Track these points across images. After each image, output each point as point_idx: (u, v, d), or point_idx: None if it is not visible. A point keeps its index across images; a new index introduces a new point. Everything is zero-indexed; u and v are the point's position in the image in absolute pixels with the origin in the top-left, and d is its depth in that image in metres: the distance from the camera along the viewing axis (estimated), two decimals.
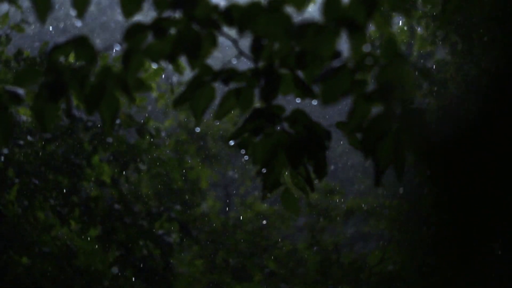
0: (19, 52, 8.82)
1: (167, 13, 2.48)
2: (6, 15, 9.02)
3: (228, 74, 2.52)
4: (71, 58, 2.41)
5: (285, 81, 2.54)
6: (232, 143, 2.57)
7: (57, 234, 8.74)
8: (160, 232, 9.33)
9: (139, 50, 2.49)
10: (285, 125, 2.53)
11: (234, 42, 2.54)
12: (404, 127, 2.04)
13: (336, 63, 2.07)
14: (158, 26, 2.44)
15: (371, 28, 2.25)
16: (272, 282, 12.08)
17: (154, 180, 10.65)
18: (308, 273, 12.19)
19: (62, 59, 2.60)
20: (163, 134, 9.98)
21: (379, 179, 2.06)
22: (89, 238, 8.97)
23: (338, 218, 12.78)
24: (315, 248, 12.44)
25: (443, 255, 10.36)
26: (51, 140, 8.80)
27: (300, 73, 2.54)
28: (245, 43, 2.58)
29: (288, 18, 2.25)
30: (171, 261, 9.37)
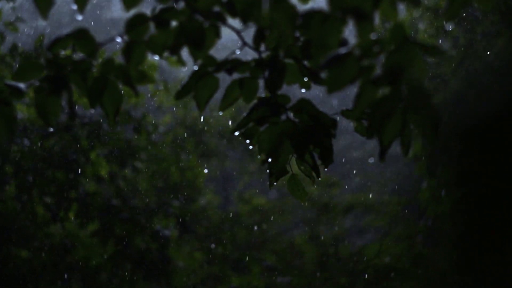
0: (14, 47, 8.79)
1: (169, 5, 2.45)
2: None
3: (231, 65, 2.50)
4: (68, 52, 2.39)
5: (290, 70, 2.53)
6: (236, 133, 2.55)
7: (55, 228, 8.74)
8: (158, 227, 9.33)
9: (141, 41, 2.46)
10: (290, 114, 2.52)
11: (238, 33, 2.52)
12: (411, 105, 2.04)
13: (342, 51, 2.05)
14: (161, 18, 2.41)
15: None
16: (270, 275, 12.08)
17: (151, 176, 10.63)
18: (306, 266, 12.20)
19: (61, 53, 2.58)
20: (160, 130, 9.97)
21: (384, 155, 2.06)
22: (88, 233, 8.97)
23: (337, 213, 12.79)
24: (313, 241, 12.45)
25: (440, 248, 10.37)
26: (48, 136, 8.78)
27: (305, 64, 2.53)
28: (249, 34, 2.56)
29: (293, 7, 2.24)
30: (169, 254, 9.37)
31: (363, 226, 13.01)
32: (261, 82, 2.55)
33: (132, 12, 2.42)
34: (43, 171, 8.62)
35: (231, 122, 12.89)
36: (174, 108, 12.47)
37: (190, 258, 11.26)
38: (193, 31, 2.40)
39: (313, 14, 2.06)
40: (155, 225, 9.31)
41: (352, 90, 2.18)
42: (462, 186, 9.90)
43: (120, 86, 2.51)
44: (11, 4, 8.48)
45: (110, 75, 2.48)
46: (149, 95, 11.03)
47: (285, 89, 2.55)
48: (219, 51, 2.64)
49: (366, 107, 2.06)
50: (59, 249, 8.65)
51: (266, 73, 2.50)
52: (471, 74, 9.29)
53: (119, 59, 2.54)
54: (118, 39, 2.51)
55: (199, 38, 2.39)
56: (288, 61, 2.52)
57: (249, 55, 2.55)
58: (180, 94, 2.58)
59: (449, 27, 9.04)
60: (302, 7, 2.27)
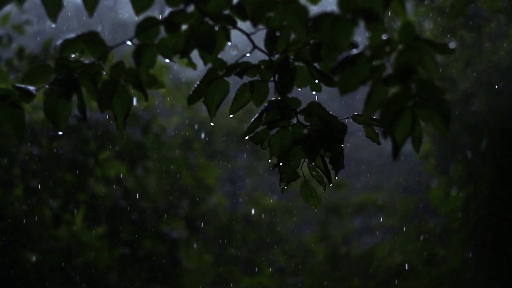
0: (20, 50, 8.80)
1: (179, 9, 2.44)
2: (7, 15, 8.98)
3: (242, 68, 2.50)
4: (78, 56, 2.38)
5: (300, 73, 2.52)
6: (246, 138, 2.54)
7: (63, 231, 8.75)
8: (166, 229, 9.33)
9: (152, 45, 2.46)
10: (301, 117, 2.51)
11: (248, 36, 2.51)
12: (421, 101, 2.04)
13: (353, 52, 2.05)
14: (171, 21, 2.41)
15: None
16: (280, 276, 12.07)
17: (161, 177, 10.64)
18: (317, 266, 12.18)
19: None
20: (169, 131, 9.97)
21: (397, 153, 2.06)
22: (96, 235, 8.97)
23: (348, 213, 12.79)
24: (323, 241, 12.44)
25: (452, 246, 10.34)
26: (56, 138, 8.79)
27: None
28: (259, 37, 2.55)
29: (304, 9, 2.23)
30: (179, 256, 9.37)
31: (374, 225, 12.99)
32: (271, 86, 2.54)
33: (143, 15, 2.41)
34: (51, 173, 8.64)
35: (239, 123, 12.89)
36: (183, 109, 12.47)
37: (200, 259, 11.26)
38: (203, 34, 2.39)
39: (324, 16, 2.05)
40: (164, 226, 9.31)
41: (354, 94, 2.17)
42: (472, 184, 9.88)
43: (132, 91, 2.50)
44: (19, 7, 8.49)
45: (120, 79, 2.47)
46: (160, 97, 11.04)
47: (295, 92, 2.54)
48: (226, 54, 2.63)
49: (377, 107, 2.05)
50: (67, 251, 8.65)
51: (277, 76, 2.49)
52: (479, 74, 9.27)
53: (130, 62, 2.53)
54: (129, 43, 2.51)
55: (210, 41, 2.38)
56: (298, 64, 2.51)
57: (257, 58, 2.55)
58: (192, 99, 2.57)
59: (454, 25, 9.02)
60: (312, 8, 2.26)
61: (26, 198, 8.44)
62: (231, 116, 2.54)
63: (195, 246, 11.01)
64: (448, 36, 9.29)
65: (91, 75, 2.46)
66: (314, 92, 2.55)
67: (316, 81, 2.51)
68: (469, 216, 9.86)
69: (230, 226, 12.18)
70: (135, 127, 9.51)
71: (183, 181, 10.87)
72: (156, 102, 10.64)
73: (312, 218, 12.92)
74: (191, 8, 2.41)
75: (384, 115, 2.04)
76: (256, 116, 2.54)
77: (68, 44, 2.45)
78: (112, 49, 2.48)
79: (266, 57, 2.52)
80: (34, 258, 8.40)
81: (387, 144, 2.19)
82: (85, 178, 8.86)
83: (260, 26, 2.39)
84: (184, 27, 2.43)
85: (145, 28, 2.43)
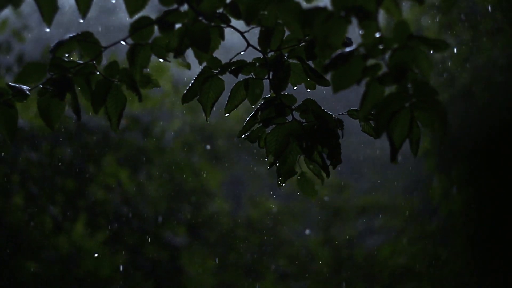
0: (20, 57, 8.81)
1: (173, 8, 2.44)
2: (5, 21, 8.99)
3: (236, 66, 2.49)
4: (74, 57, 2.38)
5: (295, 71, 2.52)
6: (242, 136, 2.54)
7: (64, 239, 8.73)
8: (168, 235, 9.31)
9: (146, 44, 2.46)
10: (296, 114, 2.51)
11: (242, 34, 2.51)
12: (418, 103, 2.02)
13: (346, 50, 2.03)
14: (165, 20, 2.40)
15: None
16: (284, 280, 12.04)
17: (163, 183, 10.62)
18: (320, 270, 12.16)
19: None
20: (170, 134, 9.96)
21: (395, 156, 2.04)
22: (97, 242, 8.95)
23: (350, 215, 12.77)
24: (326, 244, 12.42)
25: (454, 247, 10.31)
26: (57, 144, 8.79)
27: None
28: (252, 36, 2.54)
29: (298, 5, 2.23)
30: (181, 262, 9.35)
31: (376, 227, 12.97)
32: (266, 84, 2.54)
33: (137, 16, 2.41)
34: (51, 180, 8.63)
35: (241, 125, 12.83)
36: (184, 112, 12.46)
37: (202, 265, 11.24)
38: (197, 33, 2.39)
39: (316, 11, 2.03)
40: (165, 233, 9.30)
41: (353, 92, 2.17)
42: (473, 183, 9.86)
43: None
44: (16, 11, 8.49)
45: (114, 79, 2.47)
46: (164, 100, 11.03)
47: (289, 90, 2.53)
48: (221, 53, 2.63)
49: (372, 106, 2.04)
50: (67, 260, 8.63)
51: (271, 74, 2.49)
52: (477, 70, 9.26)
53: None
54: (123, 43, 2.50)
55: (204, 40, 2.37)
56: (293, 61, 2.51)
57: (251, 56, 2.54)
58: (186, 98, 2.57)
59: (451, 23, 9.03)
60: (305, 7, 2.25)
61: (26, 206, 8.42)
62: (226, 115, 2.54)
63: (197, 252, 10.99)
64: (448, 32, 9.29)
65: (85, 75, 2.45)
66: (309, 90, 2.55)
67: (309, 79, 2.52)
68: (471, 215, 9.84)
69: (233, 231, 12.15)
70: (135, 131, 9.51)
71: (185, 186, 10.86)
72: (158, 105, 10.64)
73: (315, 221, 12.90)
74: (184, 7, 2.41)
75: (380, 115, 2.02)
76: (251, 114, 2.53)
77: (62, 45, 2.44)
78: (106, 49, 2.48)
79: (260, 55, 2.52)
80: (34, 267, 8.38)
81: (386, 144, 2.18)
82: (85, 184, 8.85)
83: (254, 24, 2.39)
84: (178, 26, 2.43)
85: (139, 28, 2.42)
